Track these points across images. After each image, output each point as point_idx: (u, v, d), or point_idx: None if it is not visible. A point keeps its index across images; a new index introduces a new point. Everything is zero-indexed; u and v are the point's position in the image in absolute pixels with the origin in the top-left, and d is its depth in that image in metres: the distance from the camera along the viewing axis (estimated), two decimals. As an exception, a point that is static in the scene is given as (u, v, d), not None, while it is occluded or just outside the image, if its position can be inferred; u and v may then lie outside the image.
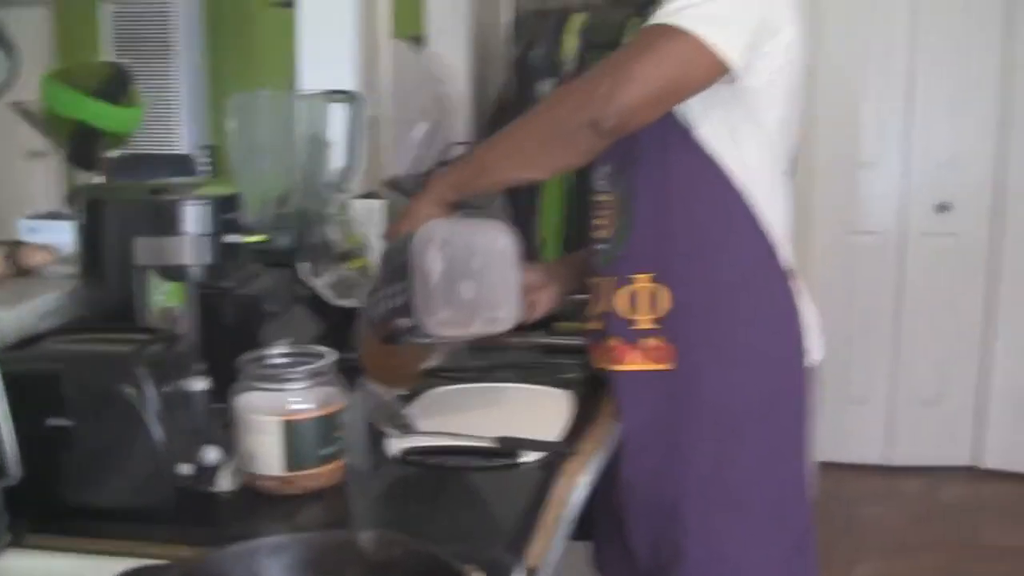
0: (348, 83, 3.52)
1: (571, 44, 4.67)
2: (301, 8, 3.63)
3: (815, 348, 2.26)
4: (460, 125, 4.76)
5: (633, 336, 2.24)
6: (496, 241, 2.06)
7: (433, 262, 1.95)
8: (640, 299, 2.22)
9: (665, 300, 2.20)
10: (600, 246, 2.31)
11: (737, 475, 2.21)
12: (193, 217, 1.96)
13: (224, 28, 6.33)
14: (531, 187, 4.48)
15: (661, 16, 1.98)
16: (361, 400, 2.11)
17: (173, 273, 2.01)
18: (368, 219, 3.10)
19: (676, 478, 2.22)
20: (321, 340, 2.31)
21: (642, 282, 2.22)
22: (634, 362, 2.24)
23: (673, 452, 2.23)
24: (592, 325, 2.34)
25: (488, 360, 2.59)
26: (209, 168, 5.83)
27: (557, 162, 2.17)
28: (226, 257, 2.03)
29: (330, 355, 1.88)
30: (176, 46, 6.24)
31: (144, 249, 1.96)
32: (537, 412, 2.24)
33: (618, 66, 1.97)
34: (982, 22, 5.24)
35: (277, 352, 1.90)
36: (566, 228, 4.55)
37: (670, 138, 2.12)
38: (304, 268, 2.49)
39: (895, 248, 5.49)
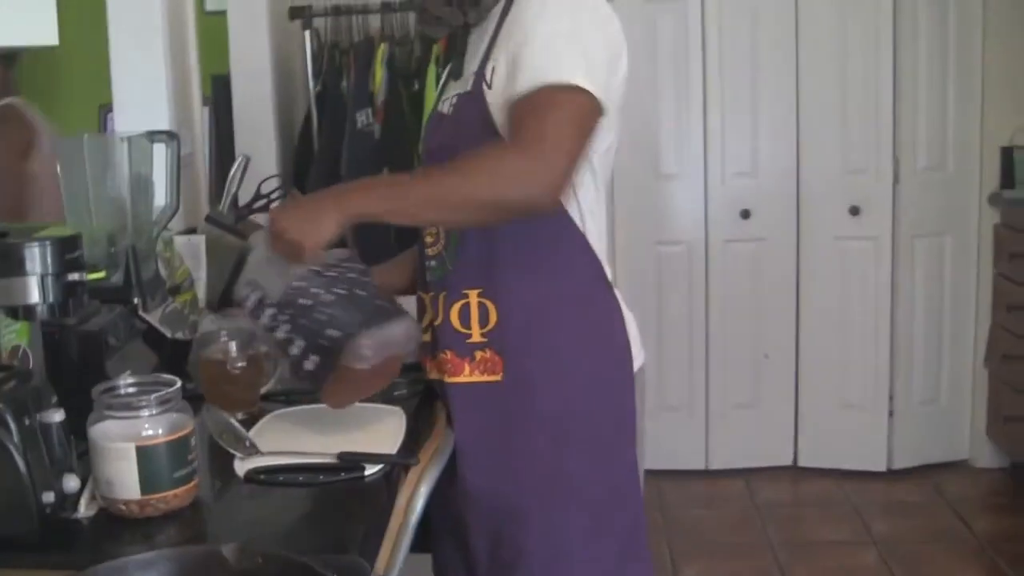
0: (162, 123, 3.58)
1: (380, 76, 4.79)
2: (114, 51, 3.66)
3: (638, 354, 2.41)
4: (268, 158, 4.83)
5: (466, 349, 2.34)
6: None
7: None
8: (471, 313, 2.32)
9: (493, 314, 2.30)
10: (430, 262, 2.41)
11: (574, 471, 2.32)
12: (38, 258, 2.01)
13: (27, 78, 6.29)
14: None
15: (538, 76, 2.09)
16: (206, 424, 2.20)
17: (21, 312, 2.05)
18: (190, 254, 3.17)
19: (515, 479, 2.33)
20: (159, 371, 2.40)
21: (472, 297, 2.32)
22: (467, 374, 2.35)
23: (510, 456, 2.34)
24: (424, 338, 2.42)
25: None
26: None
27: (479, 222, 2.24)
28: (68, 295, 2.09)
29: (176, 383, 1.96)
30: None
31: (-9, 290, 2.01)
32: (372, 428, 2.33)
33: (539, 146, 2.04)
34: (775, 33, 5.43)
35: (126, 383, 1.97)
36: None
37: None
38: (138, 303, 2.55)
39: (701, 256, 5.63)
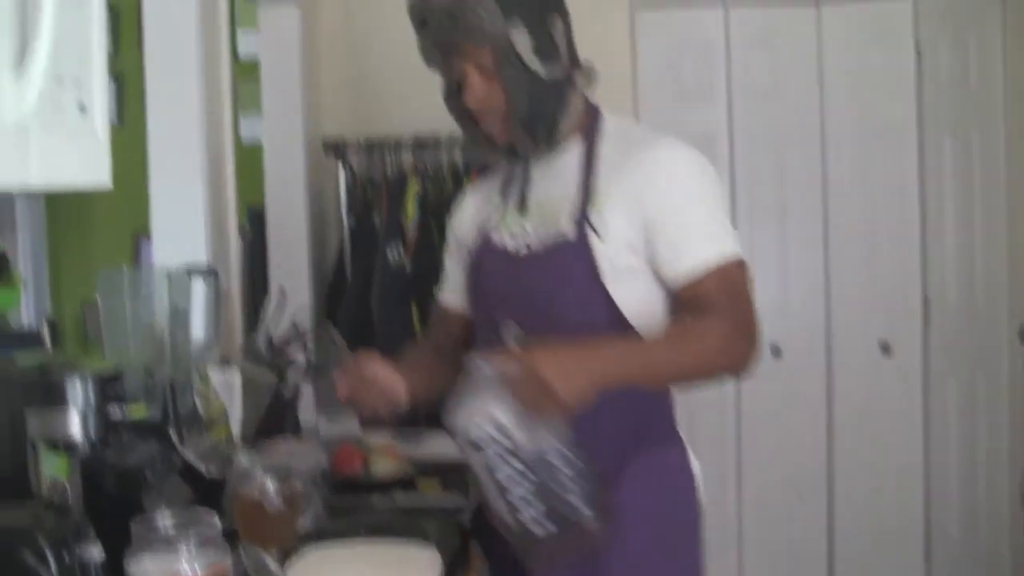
0: (199, 254, 3.62)
1: (411, 210, 4.83)
2: (153, 182, 3.70)
3: (702, 490, 2.47)
4: (302, 290, 4.87)
5: None
6: None
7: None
8: None
9: None
10: None
11: None
12: (80, 392, 2.03)
13: (61, 206, 6.37)
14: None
15: (713, 253, 2.28)
16: (243, 561, 2.20)
17: (61, 445, 2.07)
18: (225, 388, 3.19)
19: None
20: (195, 506, 2.40)
21: None
22: None
23: None
24: None
25: (354, 521, 2.67)
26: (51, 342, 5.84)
27: (695, 383, 2.40)
28: (108, 429, 2.11)
29: (215, 519, 1.96)
30: (17, 224, 6.25)
31: (35, 422, 2.03)
32: (407, 567, 2.33)
33: (742, 322, 2.26)
34: (802, 173, 5.47)
35: (164, 518, 1.97)
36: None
37: (597, 317, 2.32)
38: (175, 438, 2.56)
39: (732, 396, 5.56)
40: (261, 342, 3.46)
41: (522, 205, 2.49)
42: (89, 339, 6.11)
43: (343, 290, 4.99)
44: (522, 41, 2.32)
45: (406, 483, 2.96)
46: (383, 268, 4.79)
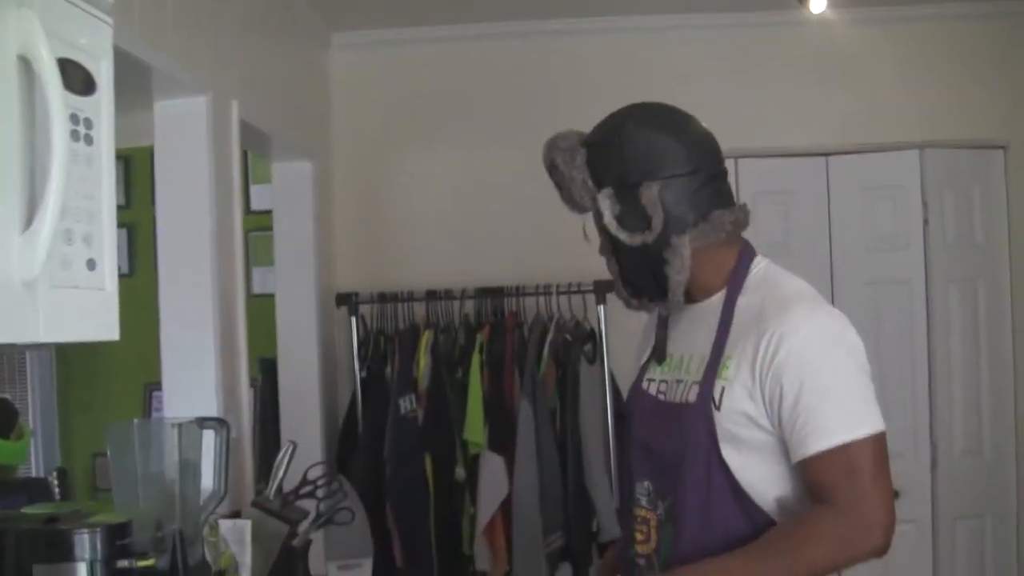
0: (211, 407, 3.63)
1: (424, 361, 4.85)
2: (164, 335, 3.72)
3: None
4: (313, 441, 4.87)
5: None
6: None
7: None
8: None
9: None
10: (639, 559, 2.47)
11: None
12: (88, 545, 2.03)
13: (72, 356, 6.40)
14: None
15: (837, 435, 2.20)
16: None
17: (67, 599, 2.06)
18: (235, 538, 3.18)
19: None
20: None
21: None
22: None
23: None
24: None
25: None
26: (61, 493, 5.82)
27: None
28: (116, 581, 2.10)
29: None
30: (27, 374, 6.28)
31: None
32: None
33: (864, 511, 2.21)
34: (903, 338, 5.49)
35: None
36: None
37: (715, 481, 2.30)
38: (183, 590, 2.55)
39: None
40: (272, 492, 3.46)
41: (662, 357, 2.55)
42: (99, 490, 6.10)
43: (355, 440, 4.99)
44: (605, 209, 2.38)
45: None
46: (395, 419, 4.80)
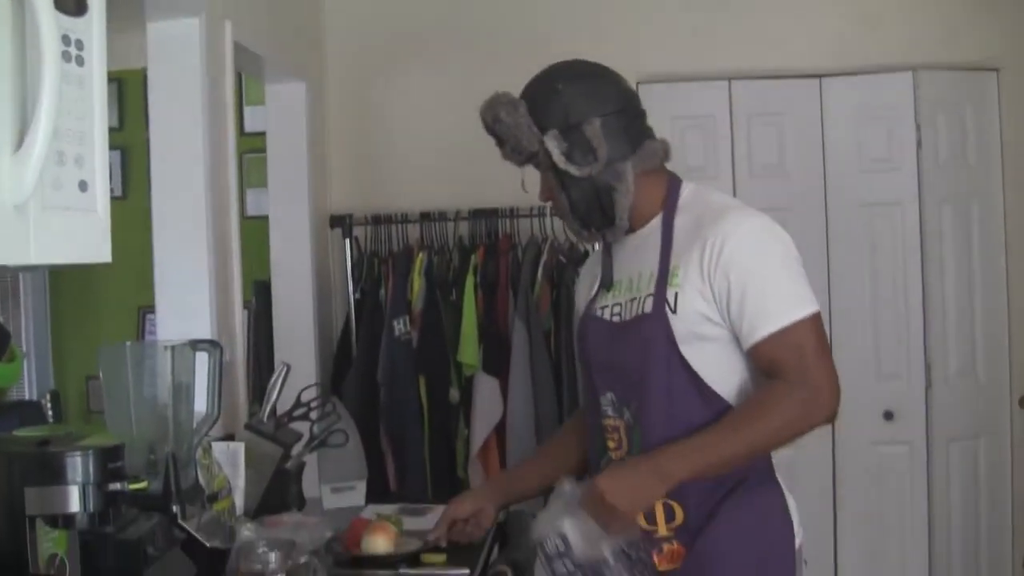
0: (204, 329, 3.62)
1: (418, 284, 4.85)
2: (157, 257, 3.71)
3: (799, 532, 2.70)
4: (307, 364, 4.87)
5: (653, 544, 2.57)
6: None
7: None
8: (657, 512, 2.56)
9: (679, 512, 2.56)
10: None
11: None
12: (80, 467, 2.03)
13: (65, 279, 6.39)
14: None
15: (782, 317, 2.49)
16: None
17: (60, 521, 2.06)
18: (229, 461, 3.18)
19: None
20: (197, 581, 2.40)
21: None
22: (659, 566, 2.57)
23: None
24: None
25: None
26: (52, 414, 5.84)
27: (770, 453, 2.63)
28: (108, 504, 2.10)
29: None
30: (21, 297, 6.28)
31: (33, 499, 2.02)
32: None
33: (815, 380, 2.48)
34: (805, 244, 5.49)
35: (165, 594, 1.96)
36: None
37: (676, 380, 2.56)
38: (177, 511, 2.56)
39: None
40: (266, 415, 3.46)
41: (609, 283, 2.78)
42: (93, 413, 6.12)
43: (349, 363, 4.99)
44: (554, 149, 2.62)
45: (411, 557, 2.95)
46: (389, 341, 4.80)
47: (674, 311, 2.55)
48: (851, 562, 5.54)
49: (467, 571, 2.84)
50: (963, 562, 5.51)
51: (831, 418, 2.54)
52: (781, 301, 2.51)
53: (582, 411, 3.02)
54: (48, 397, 6.01)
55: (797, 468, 5.44)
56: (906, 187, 5.43)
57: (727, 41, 5.34)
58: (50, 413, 5.81)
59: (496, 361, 4.74)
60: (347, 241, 5.06)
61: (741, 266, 2.50)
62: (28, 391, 6.15)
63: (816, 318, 2.52)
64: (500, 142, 2.71)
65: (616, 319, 2.70)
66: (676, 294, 2.56)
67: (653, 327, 2.57)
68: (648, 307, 2.60)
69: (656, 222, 2.69)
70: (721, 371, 2.57)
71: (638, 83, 5.40)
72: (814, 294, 2.56)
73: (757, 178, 5.48)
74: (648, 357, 2.57)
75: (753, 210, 2.67)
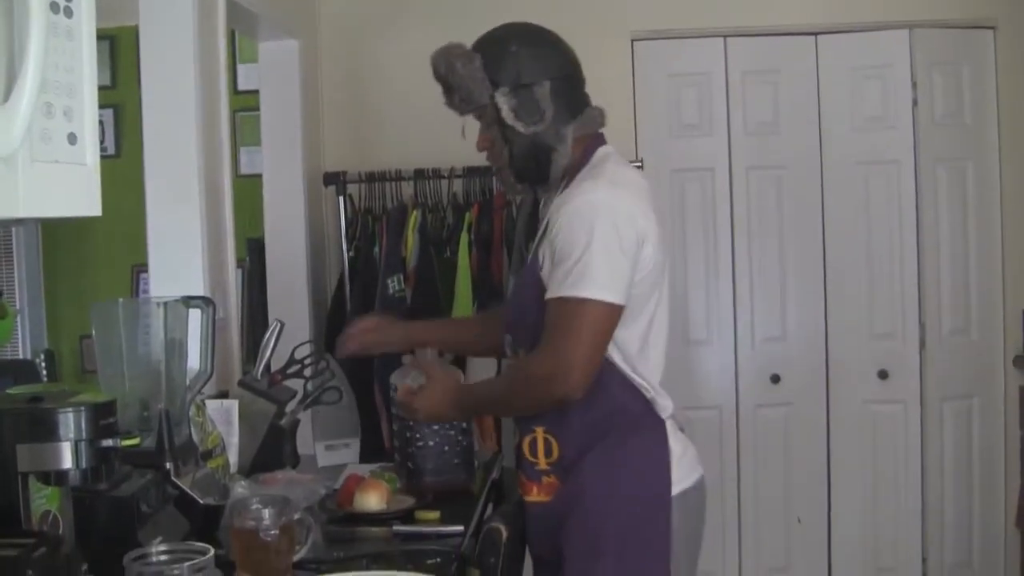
0: (197, 287, 3.62)
1: (412, 241, 4.83)
2: (150, 214, 3.70)
3: (688, 476, 2.84)
4: (301, 322, 4.86)
5: (535, 474, 2.87)
6: None
7: None
8: (538, 446, 2.84)
9: (555, 448, 2.82)
10: None
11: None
12: (72, 424, 2.02)
13: (59, 239, 6.38)
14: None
15: (556, 290, 2.68)
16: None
17: (53, 478, 2.05)
18: (223, 418, 3.18)
19: None
20: (190, 537, 2.39)
21: (539, 433, 2.84)
22: (535, 494, 2.88)
23: (559, 562, 2.78)
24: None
25: (352, 551, 2.67)
26: (47, 374, 5.84)
27: (528, 415, 2.88)
28: (101, 461, 2.09)
29: (209, 552, 1.95)
30: (14, 255, 6.27)
31: (25, 456, 2.01)
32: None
33: (557, 356, 2.67)
34: (801, 201, 5.49)
35: (158, 550, 1.96)
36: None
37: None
38: (170, 469, 2.55)
39: (732, 421, 5.55)
40: (259, 372, 3.46)
41: (537, 237, 2.91)
42: (87, 372, 6.12)
43: (342, 320, 4.98)
44: (504, 105, 2.80)
45: (405, 515, 2.96)
46: (383, 299, 4.78)
47: (542, 268, 2.78)
48: (845, 520, 5.57)
49: (461, 528, 2.84)
50: (956, 520, 5.54)
51: (565, 398, 2.70)
52: (574, 275, 2.65)
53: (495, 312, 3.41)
54: (42, 356, 6.01)
55: (791, 426, 5.48)
56: (901, 145, 5.43)
57: (723, -2, 5.32)
58: (44, 372, 5.81)
59: (490, 318, 4.73)
60: (341, 199, 5.04)
61: (560, 236, 2.69)
62: (22, 350, 6.15)
63: (598, 306, 2.65)
64: (449, 91, 2.87)
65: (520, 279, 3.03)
66: (543, 257, 2.78)
67: (527, 278, 2.87)
68: (530, 260, 2.89)
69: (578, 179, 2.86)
70: None
71: (633, 40, 5.41)
72: (619, 288, 2.68)
73: (752, 136, 5.47)
74: (524, 304, 2.86)
75: (614, 186, 2.78)
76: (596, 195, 2.73)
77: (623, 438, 2.76)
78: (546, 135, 2.81)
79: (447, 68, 2.83)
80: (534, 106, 2.79)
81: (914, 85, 5.40)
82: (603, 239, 2.65)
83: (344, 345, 3.46)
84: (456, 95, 2.85)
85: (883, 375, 5.46)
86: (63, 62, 1.53)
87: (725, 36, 5.42)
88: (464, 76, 2.80)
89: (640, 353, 2.80)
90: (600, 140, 2.93)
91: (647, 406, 2.82)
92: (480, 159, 4.90)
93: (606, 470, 2.75)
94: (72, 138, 1.54)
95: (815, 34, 5.47)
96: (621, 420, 2.78)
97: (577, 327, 2.64)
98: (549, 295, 2.69)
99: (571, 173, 2.86)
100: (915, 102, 5.41)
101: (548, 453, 2.82)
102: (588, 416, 2.76)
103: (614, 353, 2.76)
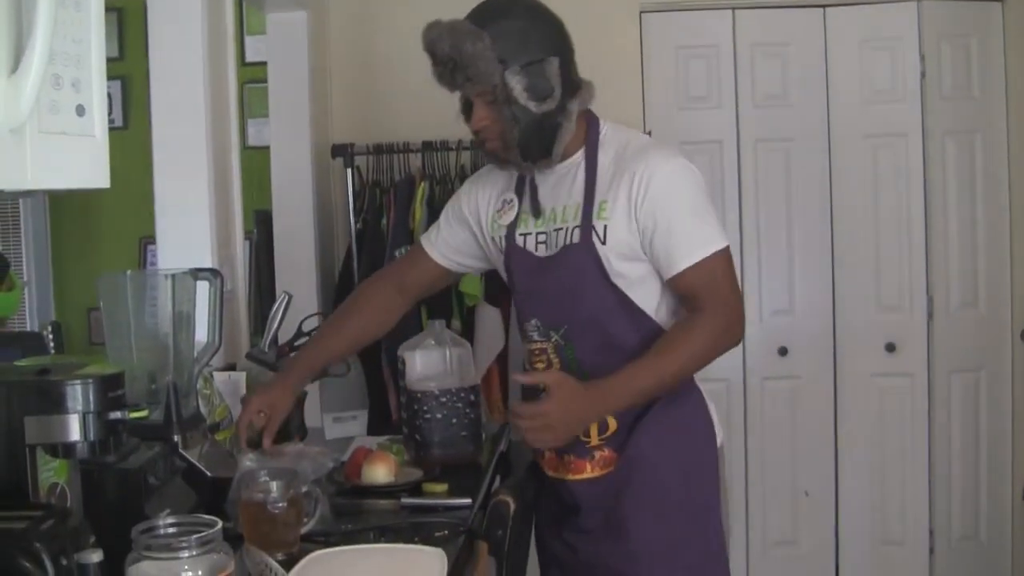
0: (205, 259, 3.62)
1: (420, 213, 4.82)
2: (158, 186, 3.70)
3: (719, 433, 2.94)
4: (309, 294, 4.86)
5: (586, 452, 2.85)
6: None
7: None
8: (591, 425, 2.80)
9: (612, 423, 2.81)
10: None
11: (674, 538, 2.79)
12: (80, 396, 2.02)
13: (67, 210, 6.37)
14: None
15: (697, 251, 2.72)
16: (246, 565, 2.19)
17: (60, 450, 2.06)
18: (231, 391, 3.18)
19: (626, 549, 2.78)
20: (198, 509, 2.39)
21: None
22: (589, 471, 2.86)
23: (621, 531, 2.79)
24: None
25: (360, 523, 2.67)
26: (54, 346, 5.84)
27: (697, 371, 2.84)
28: (109, 433, 2.09)
29: (217, 524, 1.95)
30: (21, 227, 6.27)
31: (33, 428, 2.02)
32: (413, 569, 2.32)
33: (728, 308, 2.76)
34: (809, 174, 5.48)
35: (165, 523, 1.96)
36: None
37: (606, 303, 2.78)
38: (178, 441, 2.55)
39: (740, 394, 5.56)
40: (267, 344, 3.46)
41: (537, 211, 2.91)
42: (95, 345, 6.13)
43: (350, 292, 4.97)
44: (515, 84, 2.71)
45: (413, 487, 2.96)
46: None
47: (603, 242, 2.75)
48: (853, 493, 5.57)
49: (469, 500, 2.84)
50: (963, 494, 5.54)
51: (736, 342, 2.80)
52: (698, 238, 2.73)
53: (371, 284, 3.35)
54: (50, 328, 6.02)
55: (799, 400, 5.49)
56: (910, 119, 5.42)
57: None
58: (52, 344, 5.82)
59: (498, 291, 4.72)
60: (348, 171, 5.03)
61: (664, 205, 2.71)
62: (29, 322, 6.17)
63: (726, 252, 2.76)
64: (452, 69, 2.73)
65: (542, 249, 2.88)
66: (605, 226, 2.75)
67: (582, 256, 2.77)
68: (576, 238, 2.78)
69: (578, 157, 2.86)
70: (646, 292, 2.80)
71: (641, 12, 5.39)
72: (723, 228, 2.81)
73: (760, 108, 5.45)
74: (578, 284, 2.78)
75: (670, 148, 2.97)
76: (675, 160, 2.82)
77: (675, 400, 2.82)
78: (556, 113, 2.76)
79: (453, 47, 2.69)
80: (545, 83, 2.73)
81: (922, 58, 5.38)
82: (700, 193, 2.80)
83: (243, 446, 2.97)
84: (461, 74, 2.72)
85: (890, 348, 5.46)
86: (71, 33, 1.53)
87: (734, 8, 5.40)
88: (474, 55, 2.68)
89: (677, 313, 2.87)
90: (595, 116, 2.92)
91: None
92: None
93: (663, 432, 2.80)
94: (80, 110, 1.54)
95: (823, 6, 5.45)
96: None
97: (725, 278, 2.75)
98: (685, 264, 2.72)
99: (571, 148, 2.86)
100: (923, 74, 5.39)
101: (603, 429, 2.82)
102: None
103: (668, 315, 2.84)
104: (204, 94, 3.70)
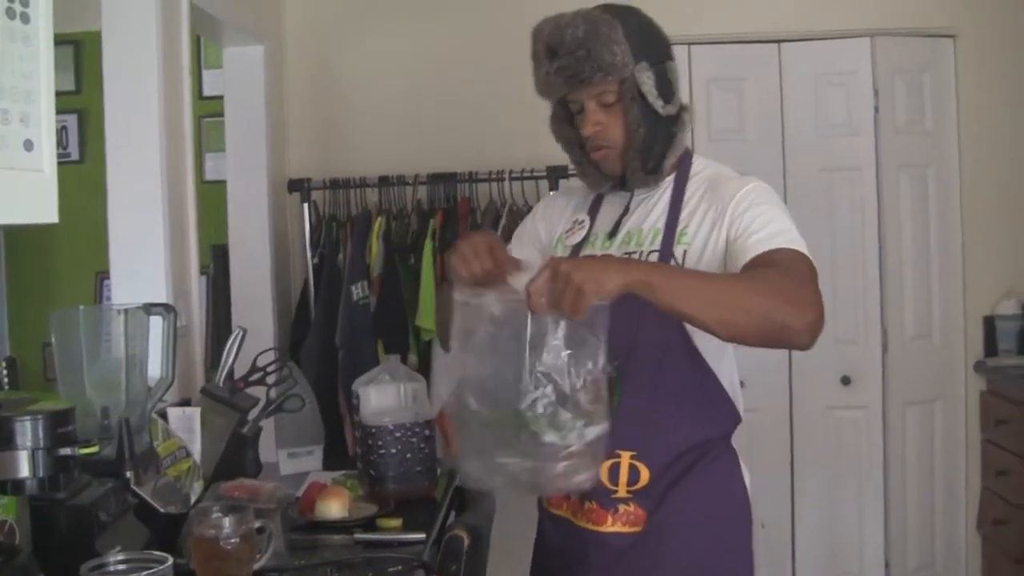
0: (160, 294, 3.60)
1: (376, 248, 4.83)
2: (112, 221, 3.69)
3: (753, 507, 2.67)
4: (265, 328, 4.85)
5: (610, 502, 2.53)
6: None
7: None
8: (621, 472, 2.51)
9: (645, 473, 2.50)
10: None
11: None
12: (29, 432, 2.01)
13: (23, 244, 6.35)
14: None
15: (783, 240, 2.37)
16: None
17: (9, 487, 2.04)
18: (185, 426, 3.17)
19: None
20: (151, 546, 2.38)
21: (624, 458, 2.51)
22: (610, 525, 2.54)
23: None
24: None
25: (314, 559, 2.66)
26: (8, 381, 5.80)
27: (735, 329, 2.21)
28: (59, 469, 2.08)
29: (167, 560, 1.94)
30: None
31: (-19, 464, 2.00)
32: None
33: (809, 284, 2.27)
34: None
35: (116, 559, 1.95)
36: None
37: (671, 340, 2.48)
38: (130, 477, 2.54)
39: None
40: (221, 379, 3.45)
41: (614, 232, 2.65)
42: (50, 380, 6.08)
43: (307, 327, 4.98)
44: (647, 80, 2.51)
45: (367, 522, 2.95)
46: (347, 305, 4.78)
47: (681, 266, 2.48)
48: (809, 525, 5.59)
49: (423, 535, 2.83)
50: (919, 524, 5.57)
51: (807, 334, 2.20)
52: (784, 234, 2.40)
53: None
54: (4, 364, 5.97)
55: (755, 432, 5.50)
56: (864, 152, 5.47)
57: (686, 5, 5.31)
58: (6, 380, 5.77)
59: (455, 325, 4.73)
60: (305, 205, 5.04)
61: (755, 206, 2.45)
62: (-17, 358, 6.12)
63: (811, 261, 2.38)
64: (584, 58, 2.47)
65: None
66: (684, 251, 2.49)
67: None
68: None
69: (668, 184, 2.62)
70: (710, 343, 2.44)
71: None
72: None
73: (716, 143, 5.48)
74: (643, 314, 2.25)
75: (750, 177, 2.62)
76: (761, 181, 2.58)
77: (715, 464, 2.59)
78: (675, 119, 2.59)
79: (588, 31, 2.46)
80: (671, 86, 2.55)
81: (876, 92, 5.44)
82: (786, 209, 2.52)
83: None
84: (591, 64, 2.47)
85: (846, 381, 5.49)
86: (20, 68, 1.53)
87: (689, 44, 5.43)
88: (611, 40, 2.46)
89: (732, 378, 2.63)
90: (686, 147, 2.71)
91: (736, 418, 2.65)
92: (442, 166, 4.95)
93: (702, 500, 2.55)
94: (29, 144, 1.54)
95: (779, 41, 5.51)
96: (710, 447, 2.60)
97: (811, 272, 2.33)
98: (765, 247, 2.35)
99: (672, 172, 2.64)
100: (877, 109, 5.44)
101: (633, 480, 2.52)
102: (683, 439, 2.55)
103: (728, 379, 2.60)
104: (160, 127, 3.70)
